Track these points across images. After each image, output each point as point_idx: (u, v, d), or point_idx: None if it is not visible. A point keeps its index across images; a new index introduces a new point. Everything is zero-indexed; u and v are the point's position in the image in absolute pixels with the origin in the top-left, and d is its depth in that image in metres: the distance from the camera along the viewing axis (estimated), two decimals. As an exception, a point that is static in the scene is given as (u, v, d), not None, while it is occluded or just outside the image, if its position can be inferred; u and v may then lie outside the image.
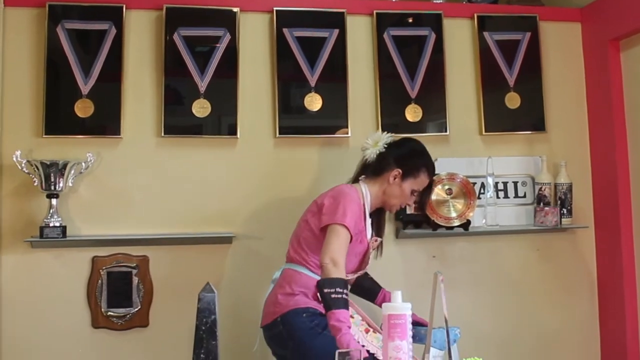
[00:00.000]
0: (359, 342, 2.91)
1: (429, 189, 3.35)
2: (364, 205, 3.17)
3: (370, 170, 3.30)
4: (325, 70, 3.88)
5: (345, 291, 2.83)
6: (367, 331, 3.02)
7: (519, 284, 4.06)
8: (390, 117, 3.93)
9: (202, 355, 1.99)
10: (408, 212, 3.73)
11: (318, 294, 2.90)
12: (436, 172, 3.61)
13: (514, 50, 4.12)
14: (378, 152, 3.27)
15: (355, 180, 3.34)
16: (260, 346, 3.22)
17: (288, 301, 3.05)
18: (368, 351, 2.91)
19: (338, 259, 2.92)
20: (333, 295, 2.78)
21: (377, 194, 3.24)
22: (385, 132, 3.38)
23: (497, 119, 4.07)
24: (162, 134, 3.70)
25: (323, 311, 2.86)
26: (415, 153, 3.32)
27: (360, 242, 3.15)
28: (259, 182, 3.83)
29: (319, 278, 2.97)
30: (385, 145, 3.28)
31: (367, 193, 3.22)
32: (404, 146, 3.34)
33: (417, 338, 2.87)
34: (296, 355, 3.02)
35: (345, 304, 2.79)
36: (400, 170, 3.22)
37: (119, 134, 3.67)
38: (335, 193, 3.15)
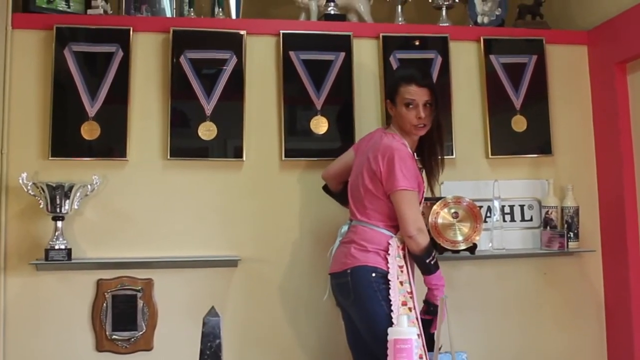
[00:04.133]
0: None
1: (433, 101, 3.31)
2: (413, 152, 3.32)
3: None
4: (331, 93, 3.89)
5: (435, 252, 3.18)
6: (403, 303, 3.07)
7: (526, 308, 4.03)
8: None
9: (206, 380, 1.97)
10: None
11: (415, 261, 3.16)
12: (442, 196, 3.62)
13: (520, 73, 4.12)
14: None
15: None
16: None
17: (361, 256, 3.17)
18: None
19: (421, 224, 3.13)
20: (433, 261, 3.12)
21: (398, 129, 3.34)
22: None
23: (503, 142, 4.06)
24: (168, 157, 3.70)
25: (389, 272, 3.09)
26: (391, 76, 3.59)
27: (420, 188, 3.27)
28: (265, 205, 3.82)
29: (390, 234, 3.19)
30: None
31: (397, 133, 3.33)
32: None
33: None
34: (354, 308, 3.19)
35: (438, 264, 3.14)
36: (388, 99, 3.38)
37: (125, 157, 3.67)
38: (384, 151, 3.20)
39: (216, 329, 2.00)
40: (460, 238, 3.74)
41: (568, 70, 4.24)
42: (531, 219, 4.09)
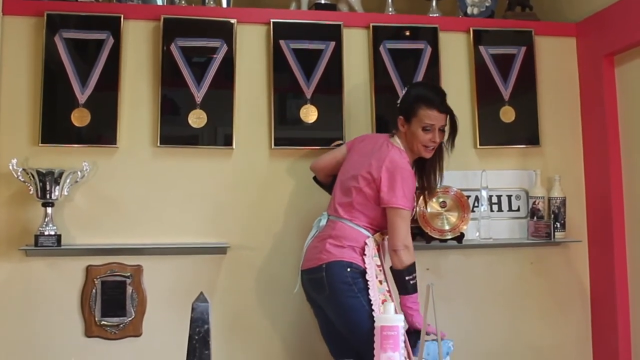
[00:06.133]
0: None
1: (452, 124, 3.39)
2: (412, 165, 3.33)
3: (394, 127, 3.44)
4: (321, 82, 3.90)
5: (416, 274, 3.15)
6: (383, 302, 3.09)
7: (512, 298, 4.06)
8: (386, 130, 3.92)
9: (194, 365, 1.99)
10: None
11: (394, 277, 3.17)
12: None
13: (509, 64, 4.14)
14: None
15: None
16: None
17: (336, 252, 3.20)
18: None
19: (408, 242, 3.15)
20: (412, 282, 3.12)
21: (405, 144, 3.34)
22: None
23: (491, 133, 4.08)
24: (158, 144, 3.71)
25: (366, 268, 3.13)
26: (408, 92, 3.44)
27: (413, 206, 3.31)
28: (254, 193, 3.83)
29: (368, 234, 3.22)
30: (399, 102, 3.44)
31: (402, 147, 3.33)
32: (404, 93, 3.46)
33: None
34: (329, 304, 3.22)
35: (416, 287, 3.13)
36: (402, 116, 3.34)
37: (115, 144, 3.67)
38: (390, 165, 3.21)
39: (205, 315, 2.01)
40: (447, 227, 3.78)
41: (557, 61, 4.26)
42: (518, 209, 4.12)
